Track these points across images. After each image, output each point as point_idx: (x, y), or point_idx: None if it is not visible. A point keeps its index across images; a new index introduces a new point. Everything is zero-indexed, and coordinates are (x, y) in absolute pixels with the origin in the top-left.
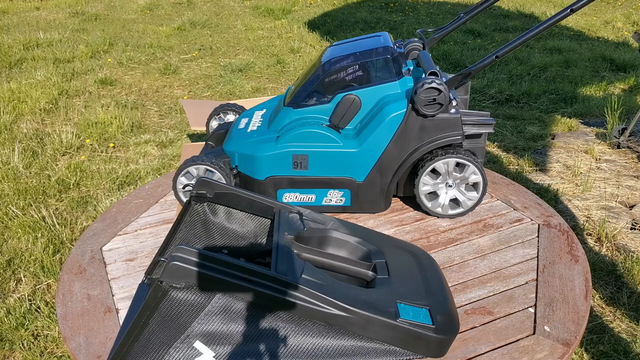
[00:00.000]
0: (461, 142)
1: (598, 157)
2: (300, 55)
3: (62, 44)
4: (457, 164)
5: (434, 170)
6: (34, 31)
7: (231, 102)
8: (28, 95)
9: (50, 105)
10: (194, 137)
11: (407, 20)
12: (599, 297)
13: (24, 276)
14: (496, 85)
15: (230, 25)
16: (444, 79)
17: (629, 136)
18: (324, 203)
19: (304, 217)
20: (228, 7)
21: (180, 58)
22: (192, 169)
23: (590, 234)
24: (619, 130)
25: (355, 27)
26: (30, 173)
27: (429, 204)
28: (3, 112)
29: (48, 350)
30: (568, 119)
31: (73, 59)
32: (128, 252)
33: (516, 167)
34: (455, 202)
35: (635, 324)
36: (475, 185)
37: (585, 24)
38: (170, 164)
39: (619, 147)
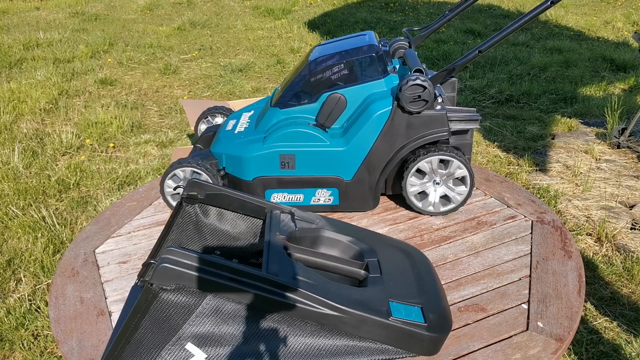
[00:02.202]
0: (448, 139)
1: (598, 157)
2: (300, 55)
3: (62, 44)
4: (441, 161)
5: (419, 170)
6: (34, 31)
7: (219, 104)
8: (28, 95)
9: (50, 105)
10: (194, 137)
11: (407, 20)
12: (599, 297)
13: (24, 276)
14: (496, 85)
15: (230, 25)
16: (429, 76)
17: (629, 136)
18: (312, 203)
19: (295, 217)
20: (228, 7)
21: (180, 58)
22: (179, 172)
23: (590, 234)
24: (619, 130)
25: (355, 27)
26: (30, 173)
27: (419, 204)
28: (3, 112)
29: (48, 350)
30: (568, 119)
31: (73, 59)
32: (121, 255)
33: (516, 167)
34: (445, 198)
35: (635, 324)
36: (462, 180)
37: (585, 24)
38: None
39: (619, 147)
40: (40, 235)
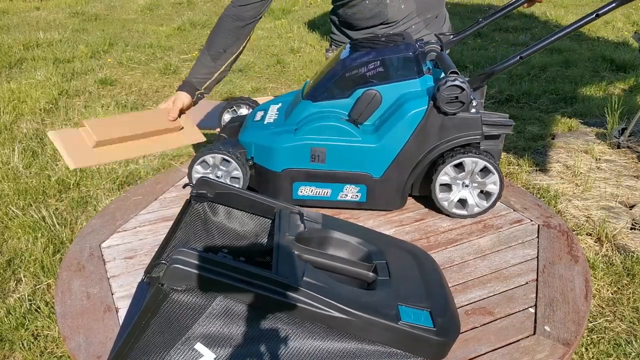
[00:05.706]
0: (479, 143)
1: (598, 157)
2: (300, 55)
3: (62, 44)
4: (483, 169)
5: (459, 165)
6: (34, 31)
7: (245, 96)
8: (28, 95)
9: (50, 105)
10: None
11: None
12: (599, 297)
13: (24, 276)
14: (496, 85)
15: None
16: (467, 79)
17: (629, 136)
18: (339, 198)
19: (304, 218)
20: None
21: (180, 58)
22: (209, 158)
23: (590, 234)
24: (619, 130)
25: None
26: (30, 173)
27: (439, 195)
28: (3, 112)
29: (48, 350)
30: (568, 119)
31: (73, 59)
32: (127, 250)
33: (516, 167)
34: (461, 202)
35: (635, 324)
36: (487, 195)
37: None
38: (170, 164)
39: (619, 147)
40: (40, 235)
